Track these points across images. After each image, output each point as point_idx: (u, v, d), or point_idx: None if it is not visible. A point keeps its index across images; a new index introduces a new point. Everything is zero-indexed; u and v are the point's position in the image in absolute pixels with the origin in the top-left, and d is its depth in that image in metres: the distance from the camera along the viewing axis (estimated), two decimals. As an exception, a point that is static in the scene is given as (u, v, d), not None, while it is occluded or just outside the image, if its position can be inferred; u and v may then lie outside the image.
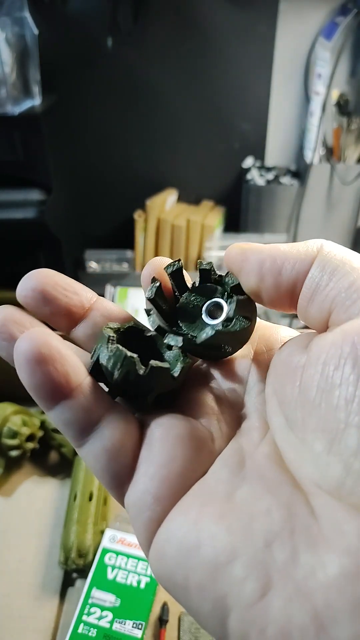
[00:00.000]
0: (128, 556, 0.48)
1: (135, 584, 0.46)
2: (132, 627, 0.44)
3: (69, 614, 0.47)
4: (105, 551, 0.49)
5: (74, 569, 0.49)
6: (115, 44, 1.06)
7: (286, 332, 0.19)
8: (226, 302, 0.19)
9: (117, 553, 0.48)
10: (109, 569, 0.47)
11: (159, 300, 0.19)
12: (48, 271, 0.18)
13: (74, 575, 0.50)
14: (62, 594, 0.49)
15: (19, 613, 0.47)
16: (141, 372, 0.16)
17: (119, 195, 1.24)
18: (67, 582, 0.50)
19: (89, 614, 0.44)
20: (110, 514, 0.54)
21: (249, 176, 1.17)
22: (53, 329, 0.18)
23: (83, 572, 0.49)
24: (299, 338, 0.17)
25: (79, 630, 0.43)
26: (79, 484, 0.54)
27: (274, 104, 1.14)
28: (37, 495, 0.58)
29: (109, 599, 0.45)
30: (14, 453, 0.57)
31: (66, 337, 0.18)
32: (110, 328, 0.18)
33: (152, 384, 0.17)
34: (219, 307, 0.19)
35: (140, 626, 0.44)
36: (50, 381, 0.15)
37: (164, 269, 0.19)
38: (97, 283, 1.18)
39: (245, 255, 0.17)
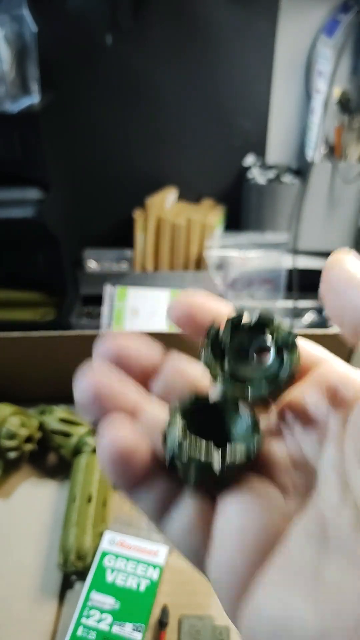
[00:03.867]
0: (128, 559, 0.48)
1: (135, 586, 0.46)
2: (132, 629, 0.43)
3: (68, 617, 0.46)
4: (105, 554, 0.48)
5: (73, 571, 0.48)
6: (114, 41, 1.05)
7: (343, 366, 0.18)
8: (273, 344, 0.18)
9: (117, 555, 0.48)
10: (109, 572, 0.47)
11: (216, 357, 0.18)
12: (98, 371, 0.18)
13: (73, 577, 0.50)
14: (61, 597, 0.48)
15: (18, 616, 0.47)
16: (216, 469, 0.16)
17: (118, 194, 1.24)
18: (66, 585, 0.49)
19: (88, 616, 0.44)
20: (109, 516, 0.54)
21: (249, 175, 1.17)
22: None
23: (82, 575, 0.49)
24: None
25: (78, 633, 0.43)
26: (78, 486, 0.54)
27: (275, 102, 1.14)
28: (35, 497, 0.57)
29: (109, 601, 0.45)
30: (12, 454, 0.56)
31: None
32: (179, 414, 0.17)
33: (230, 476, 0.16)
34: (265, 349, 0.18)
35: (140, 629, 0.43)
36: (128, 476, 0.17)
37: (226, 321, 0.18)
38: (96, 282, 1.18)
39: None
